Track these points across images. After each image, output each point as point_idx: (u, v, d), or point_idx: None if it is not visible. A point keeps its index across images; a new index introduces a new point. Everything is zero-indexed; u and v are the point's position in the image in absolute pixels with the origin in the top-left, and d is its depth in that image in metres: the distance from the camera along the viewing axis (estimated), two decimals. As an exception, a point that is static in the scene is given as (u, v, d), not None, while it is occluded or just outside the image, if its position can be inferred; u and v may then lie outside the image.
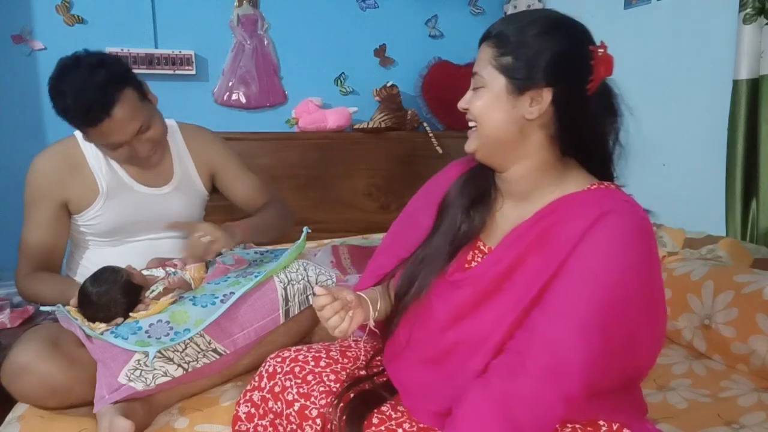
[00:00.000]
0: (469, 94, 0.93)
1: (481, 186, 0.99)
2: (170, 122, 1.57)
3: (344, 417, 0.93)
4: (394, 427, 0.93)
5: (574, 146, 0.90)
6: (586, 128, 0.89)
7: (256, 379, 1.04)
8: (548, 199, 0.90)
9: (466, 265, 0.98)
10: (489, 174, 0.98)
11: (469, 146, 0.94)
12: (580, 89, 0.87)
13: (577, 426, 0.83)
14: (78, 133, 1.43)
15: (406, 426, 0.93)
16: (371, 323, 0.98)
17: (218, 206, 1.68)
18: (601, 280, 0.80)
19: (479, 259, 0.97)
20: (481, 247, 0.98)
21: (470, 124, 0.93)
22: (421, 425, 0.92)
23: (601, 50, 0.87)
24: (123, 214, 1.46)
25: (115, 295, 1.26)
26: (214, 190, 1.65)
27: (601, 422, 0.83)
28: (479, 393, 0.80)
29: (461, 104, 0.94)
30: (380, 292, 1.06)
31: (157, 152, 1.43)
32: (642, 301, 0.82)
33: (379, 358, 1.10)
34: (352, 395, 0.98)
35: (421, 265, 1.00)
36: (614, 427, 0.82)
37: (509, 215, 0.95)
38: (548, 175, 0.92)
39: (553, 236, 0.85)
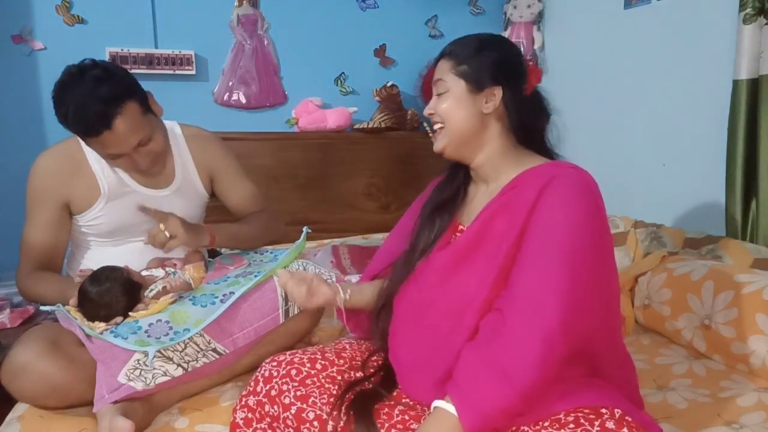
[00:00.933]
0: (433, 101, 1.10)
1: (447, 188, 1.17)
2: (172, 124, 1.57)
3: (351, 414, 0.96)
4: (402, 415, 0.97)
5: (524, 135, 1.09)
6: (528, 121, 1.08)
7: (252, 383, 1.05)
8: (510, 177, 1.06)
9: (446, 247, 1.10)
10: (457, 176, 1.16)
11: (438, 146, 1.11)
12: (520, 90, 1.07)
13: (580, 414, 0.84)
14: None
15: (412, 413, 0.98)
16: (339, 302, 1.15)
17: (218, 206, 1.68)
18: (560, 230, 0.93)
19: (457, 237, 1.11)
20: (460, 228, 1.12)
21: (436, 126, 1.11)
22: (424, 412, 0.98)
23: (531, 63, 1.10)
24: (124, 215, 1.46)
25: (117, 293, 1.26)
26: (214, 191, 1.65)
27: (603, 410, 0.84)
28: (472, 355, 0.90)
29: (427, 111, 1.11)
30: (358, 287, 1.21)
31: (158, 163, 1.43)
32: (597, 244, 0.95)
33: (375, 358, 1.13)
34: (353, 395, 1.00)
35: (406, 256, 1.14)
36: (616, 415, 0.84)
37: (480, 198, 1.10)
38: (507, 158, 1.08)
39: (513, 203, 1.00)
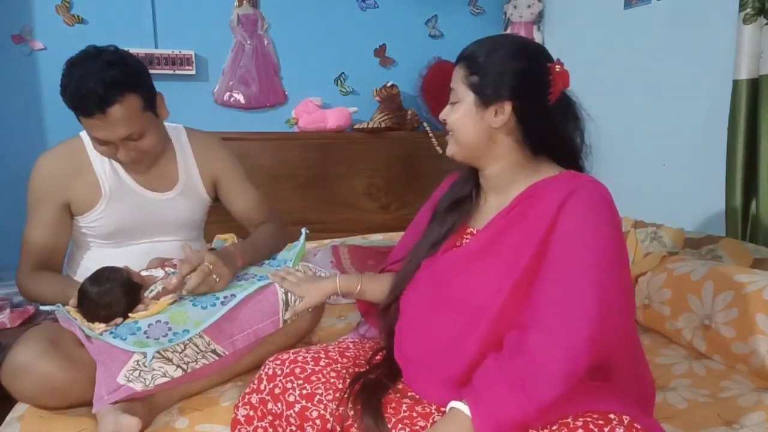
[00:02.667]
0: (448, 107, 1.09)
1: (464, 187, 1.15)
2: (178, 127, 1.57)
3: (358, 408, 0.96)
4: (410, 411, 0.97)
5: (541, 147, 1.06)
6: (548, 132, 1.04)
7: (255, 381, 1.05)
8: (524, 186, 1.05)
9: (455, 248, 1.11)
10: (472, 177, 1.14)
11: (449, 151, 1.10)
12: (540, 100, 1.02)
13: (589, 419, 0.84)
14: (84, 135, 1.43)
15: (419, 409, 0.98)
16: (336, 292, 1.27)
17: (219, 207, 1.68)
18: (586, 244, 0.92)
19: (467, 241, 1.11)
20: (469, 231, 1.11)
21: (449, 132, 1.09)
22: (431, 406, 0.99)
23: (558, 66, 1.03)
24: (125, 217, 1.45)
25: (117, 294, 1.26)
26: (216, 196, 1.65)
27: (612, 415, 0.84)
28: (495, 364, 0.90)
29: (441, 116, 1.10)
30: (375, 277, 1.28)
31: (143, 162, 1.42)
32: (621, 259, 0.95)
33: (378, 356, 1.13)
34: (359, 387, 1.00)
35: (414, 252, 1.16)
36: (625, 421, 0.83)
37: (492, 204, 1.10)
38: (522, 170, 1.06)
39: (529, 214, 1.00)
